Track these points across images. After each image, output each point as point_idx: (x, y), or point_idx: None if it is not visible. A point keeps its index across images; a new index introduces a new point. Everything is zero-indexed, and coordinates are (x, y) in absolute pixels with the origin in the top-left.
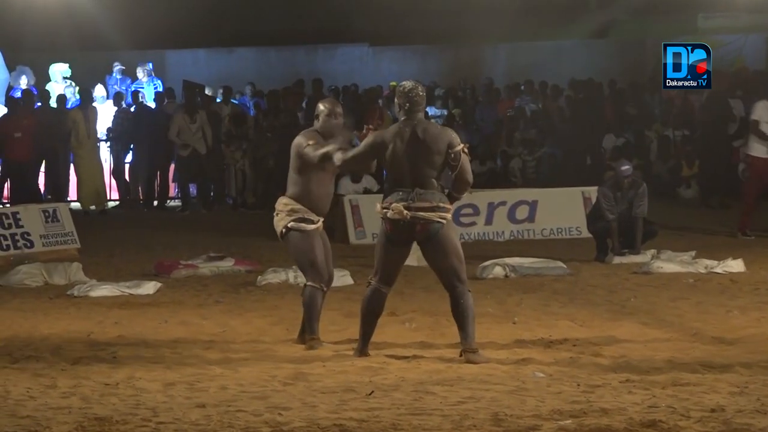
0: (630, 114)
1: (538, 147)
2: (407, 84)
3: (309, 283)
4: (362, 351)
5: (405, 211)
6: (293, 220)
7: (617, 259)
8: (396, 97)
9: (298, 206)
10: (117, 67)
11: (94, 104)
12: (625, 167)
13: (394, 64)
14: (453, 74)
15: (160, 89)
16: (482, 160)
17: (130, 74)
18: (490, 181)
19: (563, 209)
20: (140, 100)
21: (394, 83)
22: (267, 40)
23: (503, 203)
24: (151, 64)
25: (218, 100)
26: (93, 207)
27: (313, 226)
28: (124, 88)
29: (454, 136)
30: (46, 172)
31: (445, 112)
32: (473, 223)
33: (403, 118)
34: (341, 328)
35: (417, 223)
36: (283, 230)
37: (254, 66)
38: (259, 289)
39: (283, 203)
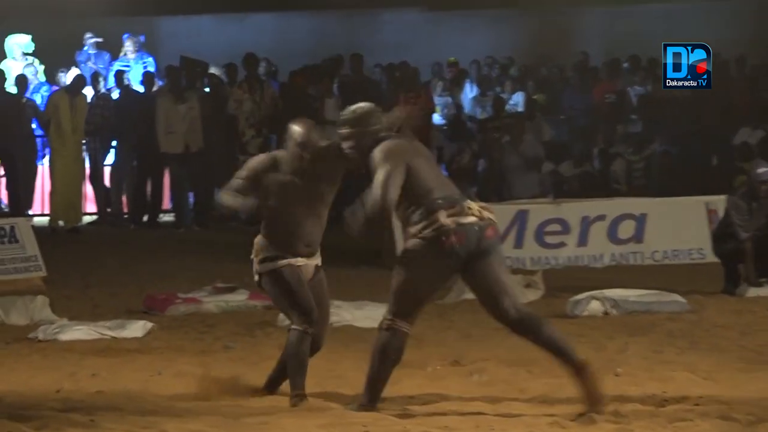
0: None
1: (646, 144)
2: (365, 105)
3: (293, 327)
4: (372, 404)
5: (485, 212)
6: (260, 262)
7: (752, 291)
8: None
9: (265, 244)
10: (90, 39)
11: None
12: (763, 170)
13: (457, 34)
14: (534, 48)
15: (152, 69)
16: (575, 162)
17: (110, 49)
18: (585, 189)
19: (681, 225)
20: (125, 82)
21: (452, 59)
22: (290, 4)
23: (601, 217)
24: (143, 37)
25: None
26: (62, 223)
27: (283, 262)
28: (101, 66)
29: None
30: (3, 177)
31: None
32: (562, 244)
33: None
34: (391, 381)
35: (488, 226)
36: (256, 277)
37: (273, 37)
38: (279, 330)
39: (255, 242)
